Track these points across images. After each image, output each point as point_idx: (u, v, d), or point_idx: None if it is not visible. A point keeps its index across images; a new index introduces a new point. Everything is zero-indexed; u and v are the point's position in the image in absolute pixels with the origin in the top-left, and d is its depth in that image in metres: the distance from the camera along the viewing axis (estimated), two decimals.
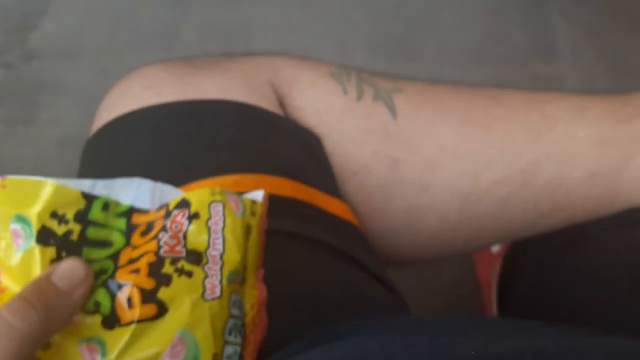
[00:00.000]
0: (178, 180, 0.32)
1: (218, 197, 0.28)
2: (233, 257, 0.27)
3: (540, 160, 0.37)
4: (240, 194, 0.29)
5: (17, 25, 1.21)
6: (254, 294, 0.28)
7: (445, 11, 1.16)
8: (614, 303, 0.36)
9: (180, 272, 0.25)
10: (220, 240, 0.27)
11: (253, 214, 0.29)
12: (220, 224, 0.27)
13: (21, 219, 0.25)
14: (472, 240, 0.39)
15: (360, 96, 0.38)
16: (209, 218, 0.27)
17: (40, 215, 0.25)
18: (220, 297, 0.25)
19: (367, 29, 1.14)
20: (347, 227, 0.36)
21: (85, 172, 0.36)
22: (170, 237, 0.26)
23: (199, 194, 0.28)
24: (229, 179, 0.33)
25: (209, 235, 0.27)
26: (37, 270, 0.24)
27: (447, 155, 0.37)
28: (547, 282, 0.42)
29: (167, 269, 0.25)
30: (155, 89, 0.36)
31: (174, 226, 0.27)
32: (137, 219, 0.28)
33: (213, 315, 0.25)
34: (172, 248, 0.26)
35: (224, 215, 0.27)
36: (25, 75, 1.13)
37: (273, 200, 0.33)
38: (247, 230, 0.28)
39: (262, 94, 0.38)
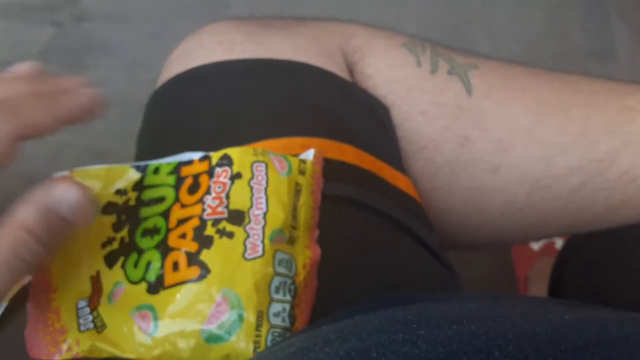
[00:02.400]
0: (245, 138, 0.32)
1: (260, 157, 0.28)
2: (277, 215, 0.27)
3: (617, 151, 0.35)
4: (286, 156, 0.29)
5: None
6: (306, 254, 0.28)
7: (501, 2, 1.13)
8: None
9: (222, 233, 0.26)
10: (263, 200, 0.27)
11: (302, 172, 0.29)
12: (264, 183, 0.27)
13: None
14: (536, 227, 0.38)
15: (434, 69, 0.37)
16: (252, 177, 0.27)
17: (102, 194, 0.28)
18: (263, 255, 0.26)
19: (418, 15, 1.11)
20: (409, 201, 0.35)
21: (152, 123, 0.36)
22: (214, 198, 0.27)
23: (240, 152, 0.28)
24: (295, 141, 0.32)
25: (252, 195, 0.27)
26: (102, 236, 0.27)
27: (520, 138, 0.36)
28: (605, 281, 0.40)
29: (209, 231, 0.26)
30: (227, 44, 0.36)
31: (217, 187, 0.28)
32: (185, 171, 0.29)
33: (255, 273, 0.25)
34: (214, 209, 0.27)
35: (267, 174, 0.28)
36: (74, 35, 1.14)
37: (337, 166, 0.32)
38: (297, 189, 0.28)
39: (332, 59, 0.37)
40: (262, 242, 0.26)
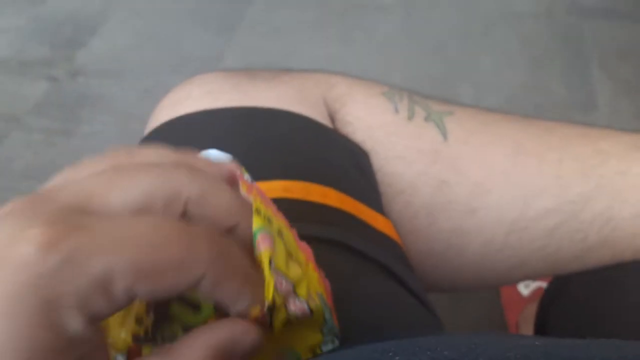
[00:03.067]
0: None
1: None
2: (296, 273, 0.24)
3: (591, 193, 0.37)
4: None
5: (67, 42, 1.26)
6: (301, 256, 0.25)
7: (484, 56, 1.17)
8: None
9: None
10: (282, 279, 0.24)
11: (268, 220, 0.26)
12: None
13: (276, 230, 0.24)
14: (516, 268, 0.38)
15: (411, 116, 0.39)
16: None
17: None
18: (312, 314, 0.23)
19: (405, 66, 1.15)
20: (390, 243, 0.35)
21: None
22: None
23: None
24: (278, 184, 0.33)
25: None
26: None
27: (497, 180, 0.37)
28: (590, 321, 0.40)
29: None
30: (214, 94, 0.37)
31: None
32: None
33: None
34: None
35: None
36: (69, 89, 1.16)
37: (319, 209, 0.33)
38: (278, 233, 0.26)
39: (315, 107, 0.38)
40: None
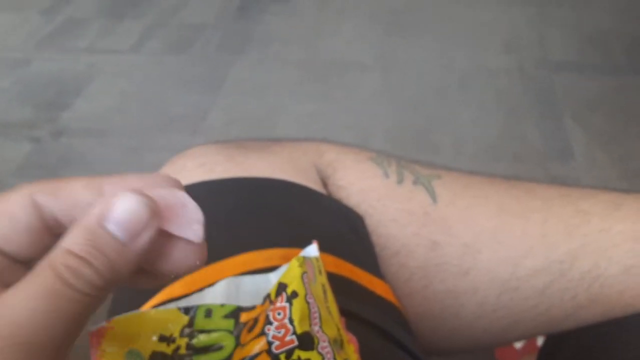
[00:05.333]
0: (226, 251, 0.33)
1: (304, 268, 0.26)
2: (329, 325, 0.26)
3: (577, 252, 0.38)
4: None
5: (50, 103, 1.26)
6: (351, 348, 0.27)
7: (462, 109, 1.21)
8: None
9: None
10: (317, 314, 0.26)
11: (320, 272, 0.28)
12: (313, 295, 0.26)
13: (133, 353, 0.24)
14: (511, 328, 0.39)
15: (400, 180, 0.40)
16: (306, 293, 0.26)
17: (146, 344, 0.25)
18: None
19: (386, 121, 1.18)
20: (389, 307, 0.36)
21: None
22: (277, 327, 0.25)
23: (290, 271, 0.26)
24: (276, 252, 0.34)
25: (309, 311, 0.25)
26: None
27: (486, 241, 0.38)
28: None
29: None
30: (208, 166, 0.38)
31: (277, 314, 0.25)
32: (245, 317, 0.27)
33: None
34: (282, 340, 0.25)
35: (309, 284, 0.26)
36: (52, 150, 1.16)
37: None
38: (324, 290, 0.27)
39: (307, 175, 0.39)
40: (335, 358, 0.24)
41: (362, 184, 0.40)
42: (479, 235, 0.38)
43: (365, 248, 0.38)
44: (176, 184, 0.22)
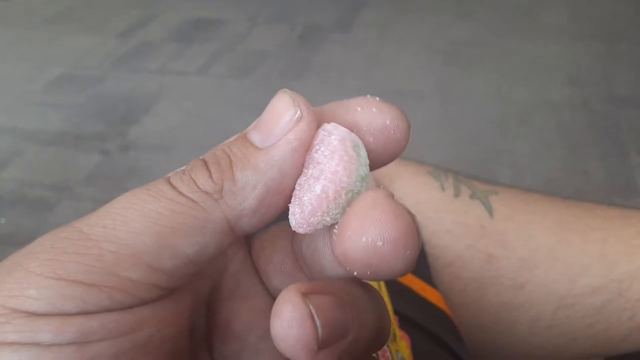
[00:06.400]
0: None
1: None
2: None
3: (636, 272, 0.37)
4: None
5: (121, 118, 1.34)
6: (403, 344, 0.28)
7: (521, 141, 1.20)
8: None
9: None
10: None
11: None
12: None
13: None
14: (566, 347, 0.38)
15: (457, 194, 0.40)
16: None
17: None
18: None
19: (443, 151, 1.18)
20: (440, 314, 0.36)
21: None
22: None
23: None
24: None
25: None
26: None
27: (543, 257, 0.38)
28: None
29: None
30: None
31: None
32: None
33: None
34: None
35: None
36: (120, 162, 1.23)
37: None
38: (379, 284, 0.29)
39: None
40: (388, 345, 0.25)
41: (418, 196, 0.41)
42: (535, 251, 0.38)
43: (420, 257, 0.38)
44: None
